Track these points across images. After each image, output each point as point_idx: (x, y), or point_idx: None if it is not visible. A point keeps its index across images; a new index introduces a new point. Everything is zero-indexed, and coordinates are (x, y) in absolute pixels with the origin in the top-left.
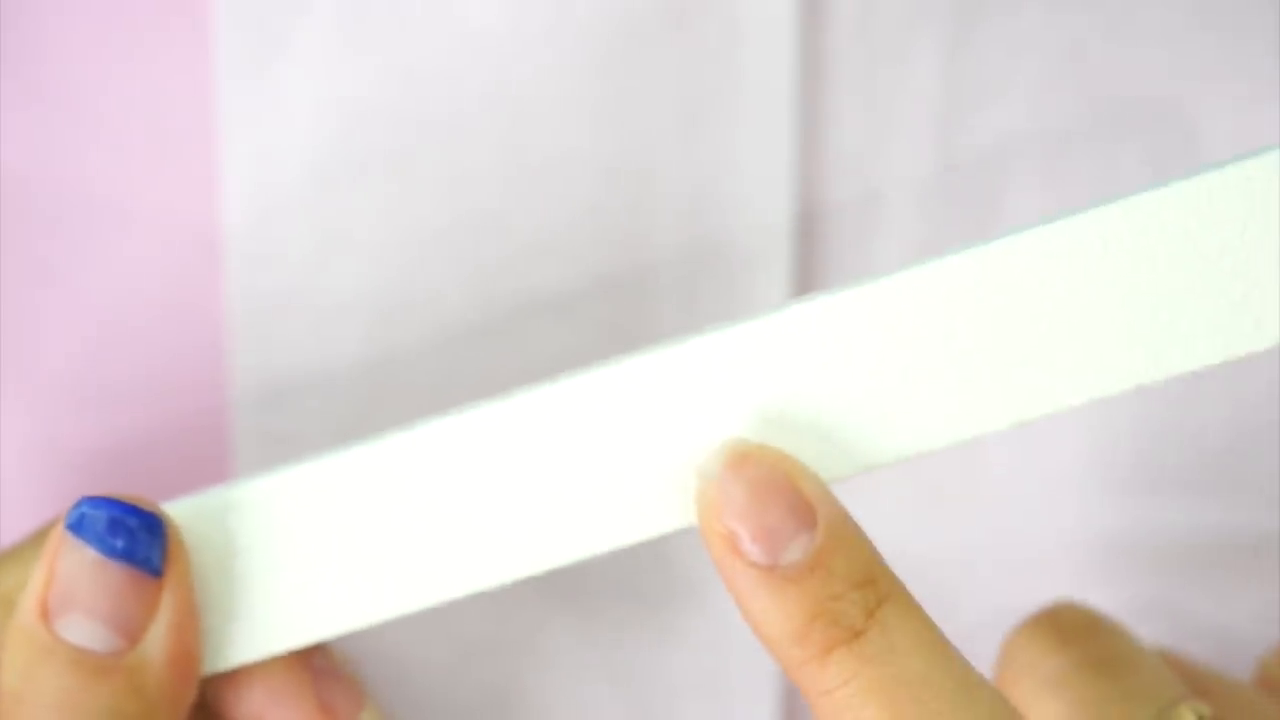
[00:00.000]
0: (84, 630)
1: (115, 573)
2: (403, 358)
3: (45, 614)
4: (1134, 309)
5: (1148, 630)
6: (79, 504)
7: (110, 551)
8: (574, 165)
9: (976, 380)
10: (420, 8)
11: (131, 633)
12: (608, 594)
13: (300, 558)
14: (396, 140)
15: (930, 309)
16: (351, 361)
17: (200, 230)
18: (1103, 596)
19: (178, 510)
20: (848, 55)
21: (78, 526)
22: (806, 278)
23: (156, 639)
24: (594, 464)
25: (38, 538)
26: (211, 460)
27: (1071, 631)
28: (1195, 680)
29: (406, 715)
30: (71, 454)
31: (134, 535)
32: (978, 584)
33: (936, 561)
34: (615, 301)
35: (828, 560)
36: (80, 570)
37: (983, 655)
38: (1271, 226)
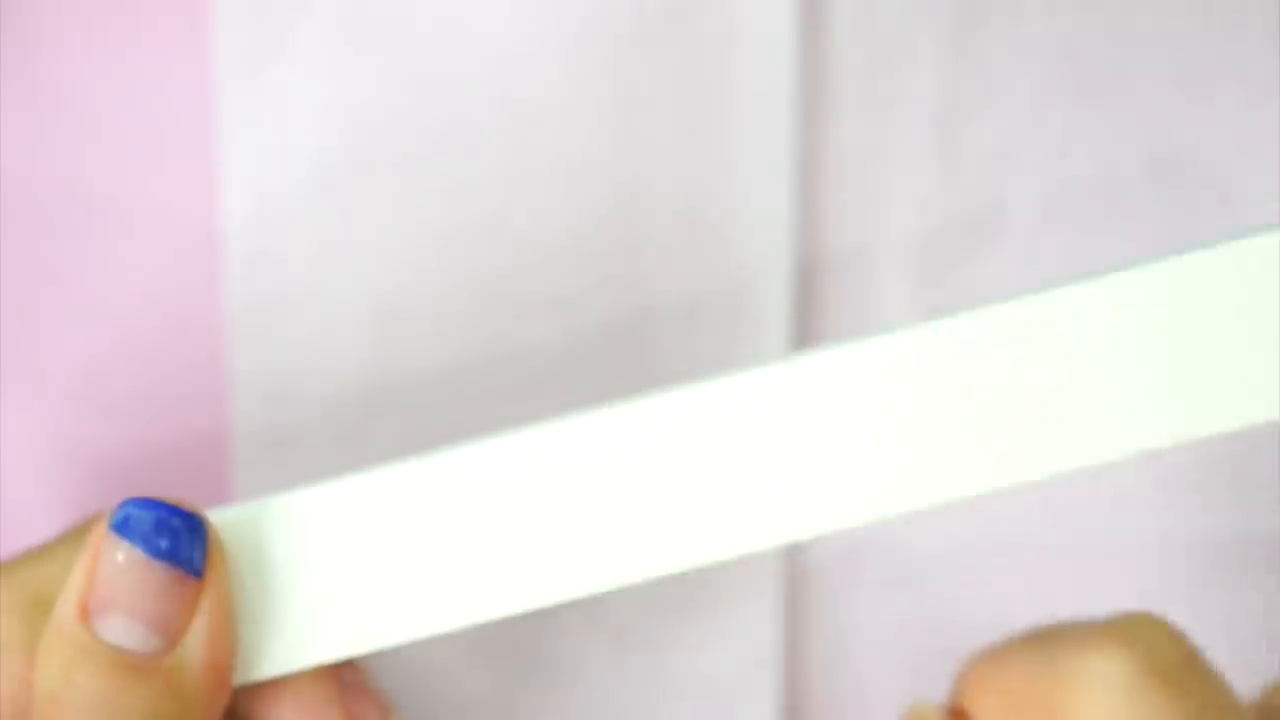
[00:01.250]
0: (124, 631)
1: (159, 573)
2: (404, 361)
3: (85, 615)
4: (1139, 376)
5: None
6: (124, 505)
7: (155, 552)
8: (574, 166)
9: (978, 440)
10: (421, 9)
11: (172, 634)
12: (607, 594)
13: (334, 573)
14: (397, 142)
15: (932, 368)
16: (352, 364)
17: (200, 231)
18: (1102, 598)
19: (217, 517)
20: (848, 55)
21: (123, 527)
22: (807, 279)
23: (196, 641)
24: (628, 494)
25: (67, 538)
26: (211, 461)
27: (1160, 654)
28: None
29: (407, 715)
30: (71, 454)
31: (178, 536)
32: (979, 585)
33: (937, 562)
34: (616, 304)
35: None
36: (123, 571)
37: None
38: (1263, 305)
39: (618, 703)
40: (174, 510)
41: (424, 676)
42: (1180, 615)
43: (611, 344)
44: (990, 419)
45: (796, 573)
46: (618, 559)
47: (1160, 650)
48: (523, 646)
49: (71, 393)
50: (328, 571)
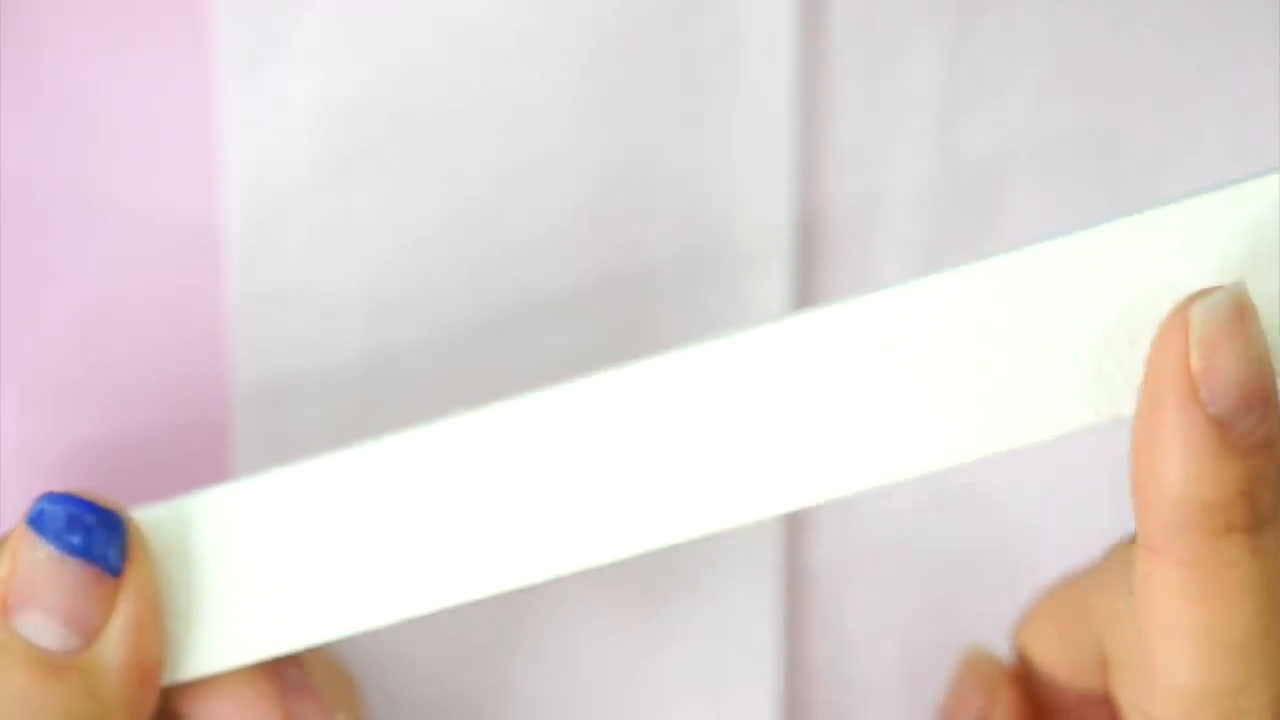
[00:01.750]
0: (40, 628)
1: (72, 570)
2: (402, 356)
3: (4, 610)
4: (1131, 330)
5: None
6: (40, 499)
7: (67, 548)
8: (574, 164)
9: (975, 401)
10: (420, 8)
11: (87, 632)
12: (606, 593)
13: (268, 568)
14: (396, 139)
15: (934, 325)
16: (351, 359)
17: (200, 229)
18: None
19: (144, 516)
20: (848, 55)
21: (37, 522)
22: (806, 278)
23: (113, 640)
24: (580, 475)
25: (8, 535)
26: (211, 458)
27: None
28: None
29: (406, 715)
30: (71, 453)
31: (91, 532)
32: (980, 585)
33: (939, 562)
34: (614, 300)
35: (1272, 446)
36: (38, 566)
37: None
38: (1256, 255)
39: (617, 702)
40: (88, 506)
41: (421, 676)
42: None
43: (610, 340)
44: (995, 379)
45: (796, 572)
46: (600, 535)
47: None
48: (522, 645)
49: (71, 390)
50: (261, 567)
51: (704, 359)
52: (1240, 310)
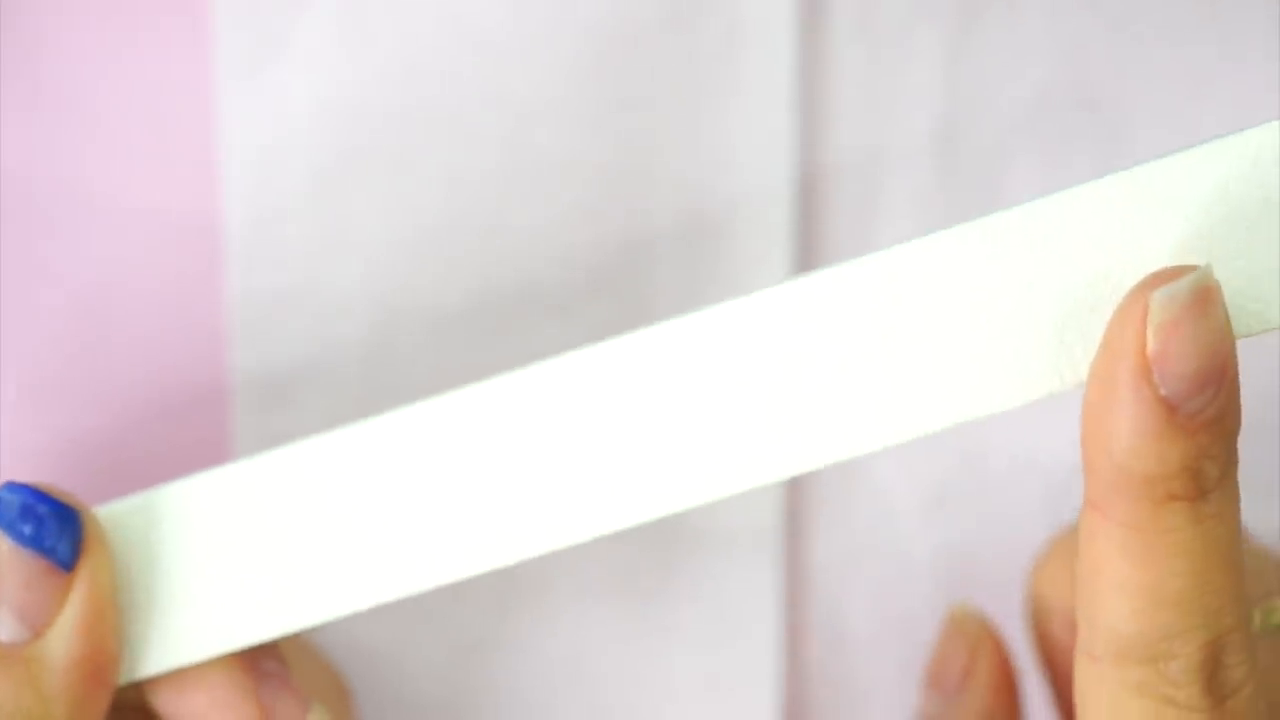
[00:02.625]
0: None
1: (23, 560)
2: (402, 356)
3: None
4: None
5: None
6: None
7: (18, 537)
8: (574, 165)
9: (974, 360)
10: (420, 8)
11: (34, 624)
12: (606, 593)
13: (237, 557)
14: (396, 139)
15: (934, 284)
16: (351, 360)
17: (200, 229)
18: None
19: (109, 511)
20: (848, 55)
21: None
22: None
23: (61, 634)
24: (575, 447)
25: None
26: (212, 456)
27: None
28: None
29: (406, 715)
30: (71, 451)
31: (43, 523)
32: (979, 585)
33: (938, 562)
34: (614, 301)
35: (1221, 422)
36: None
37: None
38: (1233, 215)
39: (617, 701)
40: (42, 497)
41: (418, 676)
42: None
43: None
44: (966, 346)
45: (796, 572)
46: (601, 506)
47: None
48: (520, 645)
49: (72, 390)
50: (229, 556)
51: (701, 326)
52: (1202, 297)
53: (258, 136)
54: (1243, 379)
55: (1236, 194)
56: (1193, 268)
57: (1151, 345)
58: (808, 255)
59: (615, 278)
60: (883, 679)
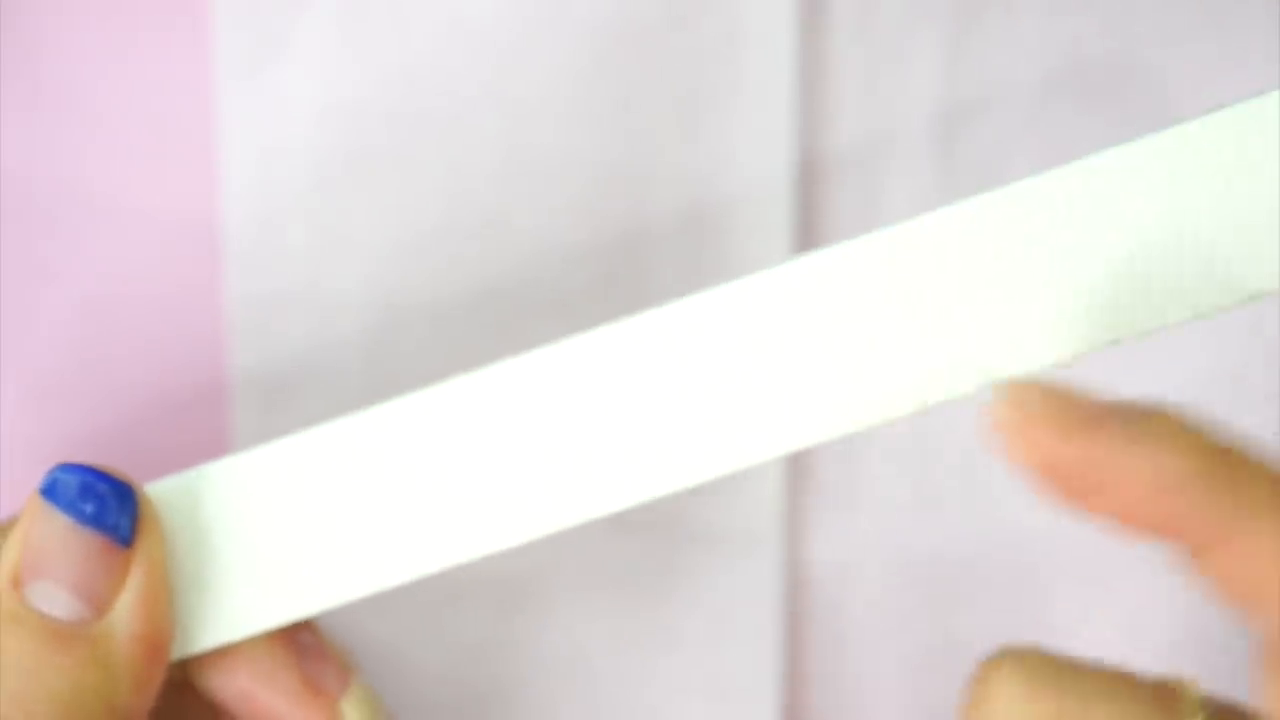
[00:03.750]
0: (51, 597)
1: (84, 539)
2: (402, 357)
3: (17, 581)
4: (1136, 256)
5: (1148, 631)
6: (54, 470)
7: (80, 516)
8: (573, 165)
9: (975, 332)
10: (421, 8)
11: (98, 603)
12: (607, 594)
13: (278, 536)
14: (396, 139)
15: (931, 258)
16: (351, 359)
17: (200, 230)
18: (1102, 598)
19: (156, 490)
20: (848, 55)
21: (50, 492)
22: None
23: (124, 611)
24: (583, 428)
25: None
26: (211, 458)
27: (1040, 681)
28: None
29: (406, 715)
30: (72, 452)
31: (104, 501)
32: (978, 587)
33: (937, 564)
34: (614, 300)
35: None
36: (51, 536)
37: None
38: (1243, 179)
39: (617, 703)
40: (100, 476)
41: (420, 677)
42: (1177, 615)
43: None
44: (1000, 306)
45: (797, 573)
46: (607, 484)
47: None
48: (522, 646)
49: (72, 391)
50: (270, 535)
51: (703, 306)
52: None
53: (258, 137)
54: (1246, 376)
55: (1255, 156)
56: None
57: None
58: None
59: (616, 277)
60: (883, 679)
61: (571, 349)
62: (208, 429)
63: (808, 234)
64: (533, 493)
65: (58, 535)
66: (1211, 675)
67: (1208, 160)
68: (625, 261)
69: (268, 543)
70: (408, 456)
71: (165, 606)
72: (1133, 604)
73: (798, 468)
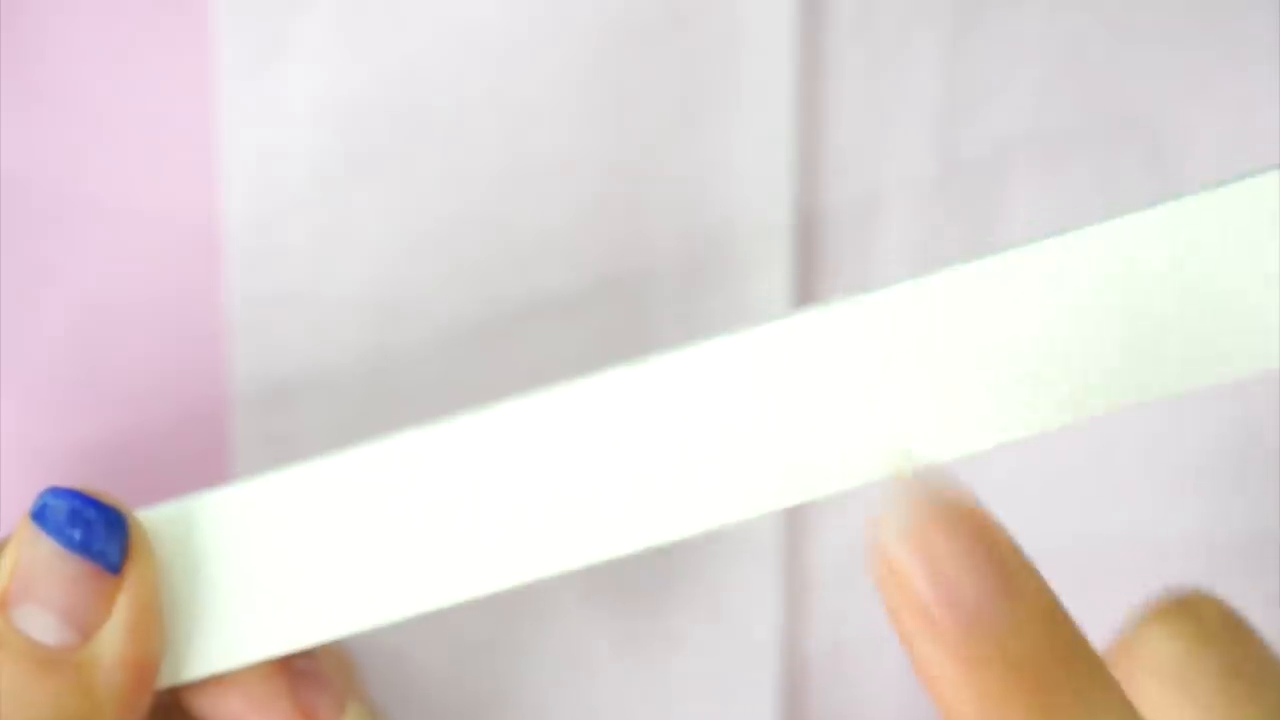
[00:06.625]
0: (37, 622)
1: (72, 565)
2: (403, 357)
3: (4, 604)
4: (1130, 327)
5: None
6: (44, 494)
7: (68, 543)
8: (574, 165)
9: (974, 395)
10: (420, 7)
11: (85, 628)
12: (607, 594)
13: (274, 567)
14: (397, 139)
15: (930, 322)
16: (352, 361)
17: (200, 230)
18: (1103, 598)
19: (148, 516)
20: (848, 55)
21: (40, 516)
22: (806, 279)
23: (110, 638)
24: (583, 473)
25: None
26: (212, 460)
27: (1211, 630)
28: None
29: (406, 716)
30: (71, 454)
31: (92, 528)
32: None
33: None
34: (615, 301)
35: None
36: (38, 561)
37: None
38: (1263, 248)
39: (617, 703)
40: (90, 502)
41: (420, 677)
42: None
43: (611, 341)
44: (998, 371)
45: (796, 573)
46: (602, 532)
47: (1212, 626)
48: (521, 647)
49: (71, 391)
50: (266, 566)
51: (704, 358)
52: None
53: (258, 137)
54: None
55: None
56: None
57: None
58: (808, 255)
59: (616, 277)
60: (883, 679)
61: (576, 391)
62: (208, 429)
63: (808, 233)
64: (526, 535)
65: (45, 560)
66: None
67: (1205, 236)
68: (625, 261)
69: (263, 573)
70: (406, 493)
71: (154, 633)
72: (1134, 606)
73: None
